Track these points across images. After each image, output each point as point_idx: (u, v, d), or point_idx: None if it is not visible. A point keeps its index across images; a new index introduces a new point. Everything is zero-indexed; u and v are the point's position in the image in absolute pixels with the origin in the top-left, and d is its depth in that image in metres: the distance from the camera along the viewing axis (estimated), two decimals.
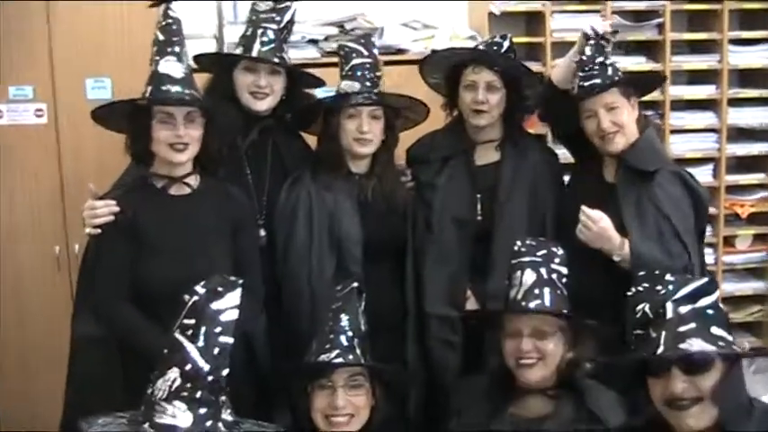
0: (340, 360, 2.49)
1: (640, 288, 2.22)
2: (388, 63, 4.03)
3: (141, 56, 3.62)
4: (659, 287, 2.16)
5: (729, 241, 4.44)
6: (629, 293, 2.25)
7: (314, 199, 3.08)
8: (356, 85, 3.08)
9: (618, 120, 2.97)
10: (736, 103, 4.39)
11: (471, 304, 3.18)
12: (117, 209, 2.73)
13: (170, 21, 2.79)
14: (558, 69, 3.27)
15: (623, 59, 4.10)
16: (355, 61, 3.11)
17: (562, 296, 2.67)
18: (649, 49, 4.34)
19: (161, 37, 2.77)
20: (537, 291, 2.63)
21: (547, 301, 2.62)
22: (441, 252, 3.18)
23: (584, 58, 3.01)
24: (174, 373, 1.85)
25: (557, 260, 2.70)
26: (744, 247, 4.51)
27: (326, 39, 4.08)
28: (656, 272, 2.24)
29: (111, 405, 2.69)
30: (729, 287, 4.45)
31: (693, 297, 2.11)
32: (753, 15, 4.40)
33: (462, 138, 3.24)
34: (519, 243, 2.74)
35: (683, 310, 2.10)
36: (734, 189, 4.44)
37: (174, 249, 2.74)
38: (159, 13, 2.83)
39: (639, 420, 2.31)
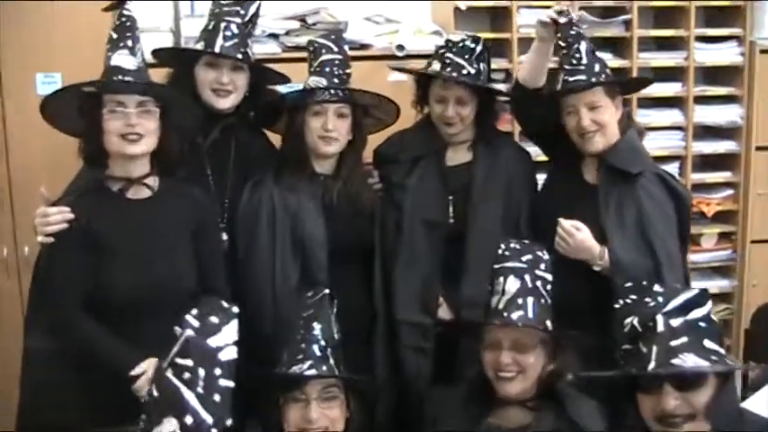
0: (313, 372, 2.39)
1: (628, 300, 2.14)
2: (351, 59, 3.92)
3: (93, 51, 3.59)
4: (648, 299, 2.08)
5: (695, 240, 4.36)
6: (617, 306, 2.15)
7: (276, 201, 2.96)
8: (323, 81, 2.96)
9: (599, 119, 2.89)
10: (702, 100, 4.33)
11: (444, 311, 3.09)
12: (71, 215, 2.58)
13: (123, 19, 2.67)
14: (524, 67, 3.18)
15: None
16: (324, 57, 2.99)
17: (546, 306, 2.58)
18: (616, 45, 4.26)
19: (114, 35, 2.65)
20: (520, 300, 2.54)
21: (530, 313, 2.53)
22: (411, 255, 3.08)
23: (565, 49, 2.92)
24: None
25: (542, 266, 2.61)
26: (709, 245, 4.46)
27: (288, 33, 3.93)
28: (644, 283, 2.15)
29: (67, 416, 2.60)
30: (695, 285, 4.36)
31: (685, 309, 2.04)
32: (719, 12, 4.34)
33: (433, 137, 3.14)
34: (503, 246, 2.64)
35: (675, 323, 2.02)
36: (700, 187, 4.37)
37: (133, 255, 2.60)
38: (114, 15, 2.71)
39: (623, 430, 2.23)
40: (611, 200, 2.89)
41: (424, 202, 3.09)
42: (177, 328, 1.74)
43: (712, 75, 4.39)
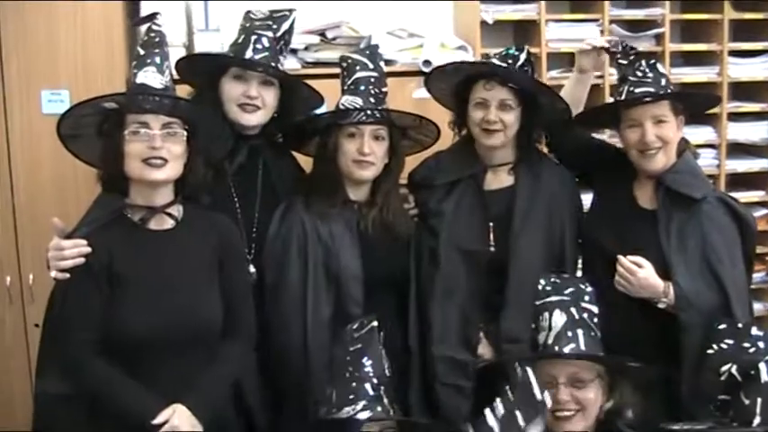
0: (367, 414, 2.21)
1: (723, 345, 1.96)
2: None
3: (102, 68, 3.42)
4: (746, 344, 1.91)
5: None
6: (710, 351, 1.97)
7: (308, 230, 2.76)
8: (359, 101, 2.77)
9: (664, 135, 2.73)
10: (735, 117, 4.17)
11: (483, 347, 2.90)
12: (88, 249, 2.36)
13: (152, 35, 2.47)
14: (564, 92, 3.03)
15: None
16: (359, 74, 2.81)
17: (596, 338, 2.43)
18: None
19: (141, 52, 2.46)
20: (570, 333, 2.39)
21: (582, 345, 2.38)
22: (448, 287, 2.88)
23: (626, 65, 2.79)
24: None
25: (586, 298, 2.46)
26: None
27: (307, 48, 3.74)
28: (740, 325, 1.96)
29: None
30: None
31: None
32: (750, 25, 4.18)
33: (471, 160, 2.94)
34: (543, 281, 2.49)
35: None
36: None
37: (154, 290, 2.39)
38: (141, 30, 2.53)
39: None
40: (673, 227, 2.72)
41: (462, 229, 2.90)
42: None
43: (744, 90, 4.23)
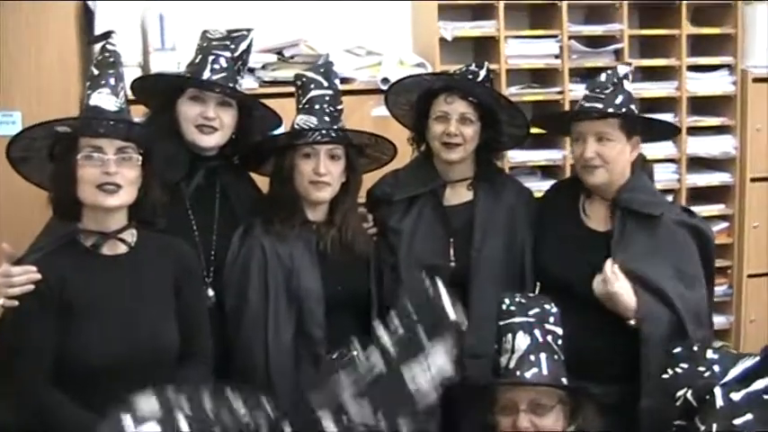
0: None
1: (678, 369, 1.92)
2: None
3: (55, 90, 3.35)
4: (701, 368, 1.87)
5: None
6: (665, 376, 1.94)
7: (268, 253, 2.71)
8: (313, 120, 2.73)
9: (605, 154, 2.70)
10: (694, 131, 4.18)
11: None
12: (38, 276, 2.30)
13: (107, 54, 2.42)
14: None
15: (578, 87, 3.85)
16: (313, 93, 2.77)
17: (559, 362, 2.41)
18: None
19: (95, 72, 2.40)
20: (532, 357, 2.37)
21: (545, 369, 2.36)
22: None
23: (598, 80, 2.79)
24: None
25: (551, 319, 2.44)
26: None
27: (264, 67, 3.70)
28: (695, 347, 1.93)
29: None
30: None
31: (745, 380, 1.82)
32: (709, 40, 4.20)
33: (431, 175, 2.92)
34: (507, 301, 2.46)
35: (736, 396, 1.80)
36: None
37: (107, 317, 2.33)
38: (96, 49, 2.46)
39: None
40: (630, 247, 2.69)
41: (422, 245, 2.88)
42: None
43: (703, 105, 4.24)
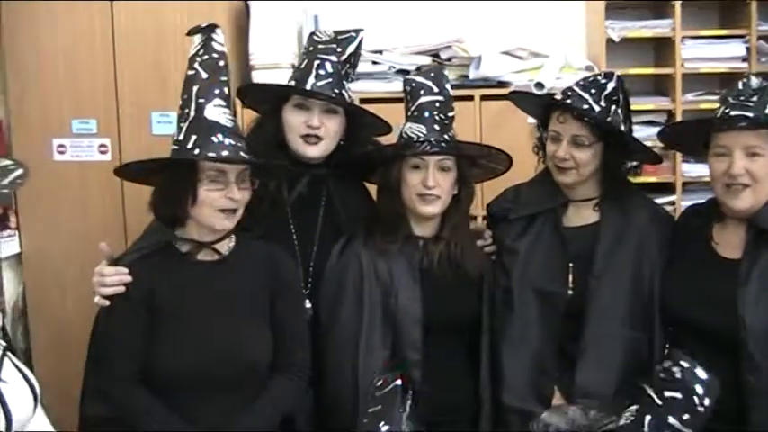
0: None
1: None
2: (485, 97, 3.55)
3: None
4: None
5: None
6: None
7: (365, 267, 2.59)
8: (423, 129, 2.57)
9: (754, 170, 2.33)
10: None
11: (557, 400, 2.60)
12: (129, 278, 2.32)
13: (215, 56, 2.34)
14: None
15: None
16: (423, 99, 2.60)
17: None
18: None
19: (203, 75, 2.31)
20: None
21: None
22: (522, 331, 2.63)
23: (743, 83, 2.41)
24: None
25: (686, 416, 2.12)
26: None
27: (419, 69, 3.55)
28: None
29: None
30: None
31: None
32: None
33: (552, 193, 2.67)
34: (670, 362, 2.17)
35: None
36: None
37: (195, 324, 2.32)
38: (196, 44, 2.37)
39: None
40: (754, 274, 2.34)
41: (538, 269, 2.64)
42: None
43: None
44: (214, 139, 2.26)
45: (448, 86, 2.65)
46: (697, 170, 3.53)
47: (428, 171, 2.55)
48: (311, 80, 2.63)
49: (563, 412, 2.17)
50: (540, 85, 3.40)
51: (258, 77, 3.57)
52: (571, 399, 2.55)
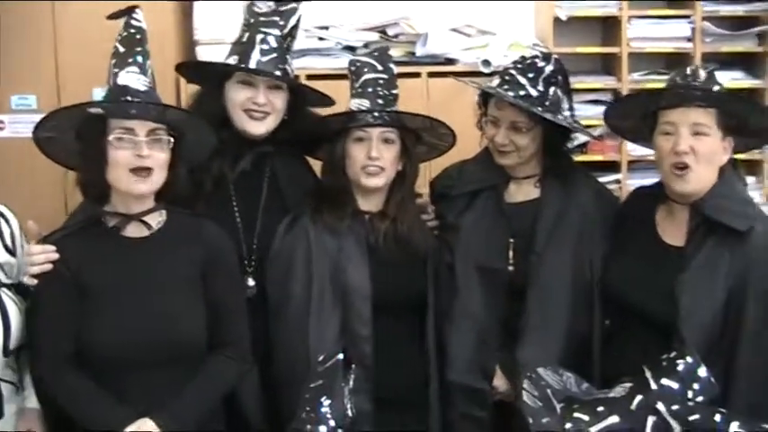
0: None
1: None
2: (433, 75, 3.53)
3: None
4: None
5: None
6: None
7: (314, 244, 2.57)
8: (366, 103, 2.56)
9: (700, 149, 2.33)
10: None
11: (498, 378, 2.64)
12: (56, 256, 2.26)
13: (132, 31, 2.33)
14: None
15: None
16: (367, 76, 2.59)
17: None
18: (748, 62, 3.67)
19: (121, 49, 2.31)
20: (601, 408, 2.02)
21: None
22: (465, 308, 2.63)
23: (691, 71, 2.43)
24: None
25: (674, 407, 2.06)
26: None
27: (366, 46, 3.56)
28: None
29: None
30: None
31: None
32: None
33: (495, 169, 2.66)
34: (676, 353, 2.07)
35: None
36: None
37: (125, 306, 2.25)
38: (120, 25, 2.37)
39: None
40: (697, 263, 2.36)
41: (480, 245, 2.64)
42: None
43: None
44: (122, 99, 2.25)
45: (392, 65, 2.64)
46: (642, 149, 3.52)
47: (372, 143, 2.54)
48: (255, 56, 2.58)
49: (559, 374, 2.16)
50: (486, 63, 3.40)
51: (203, 53, 3.52)
52: (513, 375, 2.57)
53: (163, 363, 2.24)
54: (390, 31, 3.59)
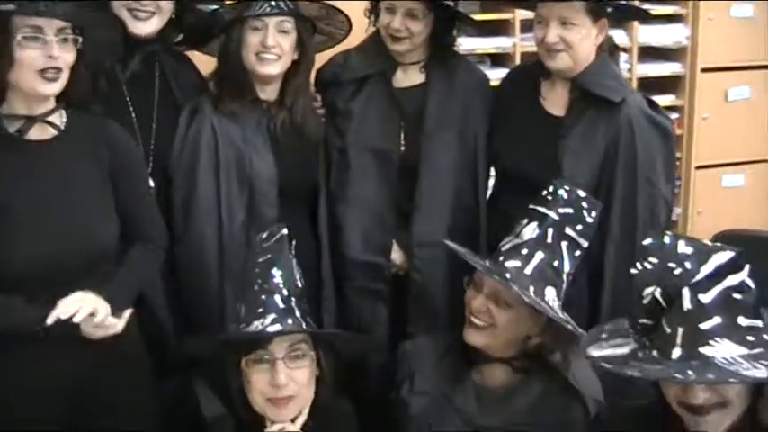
0: (277, 327, 2.08)
1: (648, 264, 1.76)
2: None
3: None
4: (672, 263, 1.73)
5: None
6: (634, 271, 1.78)
7: (219, 131, 2.60)
8: None
9: (569, 38, 2.58)
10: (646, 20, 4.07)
11: (395, 252, 2.82)
12: None
13: None
14: None
15: None
16: None
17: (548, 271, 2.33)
18: None
19: None
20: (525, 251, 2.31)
21: (527, 269, 2.30)
22: (360, 191, 2.78)
23: None
24: None
25: (579, 227, 2.34)
26: None
27: None
28: (666, 239, 1.79)
29: None
30: None
31: (716, 277, 1.70)
32: None
33: (382, 56, 2.79)
34: (553, 186, 2.36)
35: (705, 298, 1.68)
36: None
37: (33, 213, 2.14)
38: None
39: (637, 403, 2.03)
40: (577, 131, 2.65)
41: (372, 129, 2.78)
42: None
43: None
44: None
45: None
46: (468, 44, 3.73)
47: (267, 31, 2.58)
48: None
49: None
50: None
51: None
52: (408, 250, 2.77)
53: (79, 273, 2.15)
54: None
